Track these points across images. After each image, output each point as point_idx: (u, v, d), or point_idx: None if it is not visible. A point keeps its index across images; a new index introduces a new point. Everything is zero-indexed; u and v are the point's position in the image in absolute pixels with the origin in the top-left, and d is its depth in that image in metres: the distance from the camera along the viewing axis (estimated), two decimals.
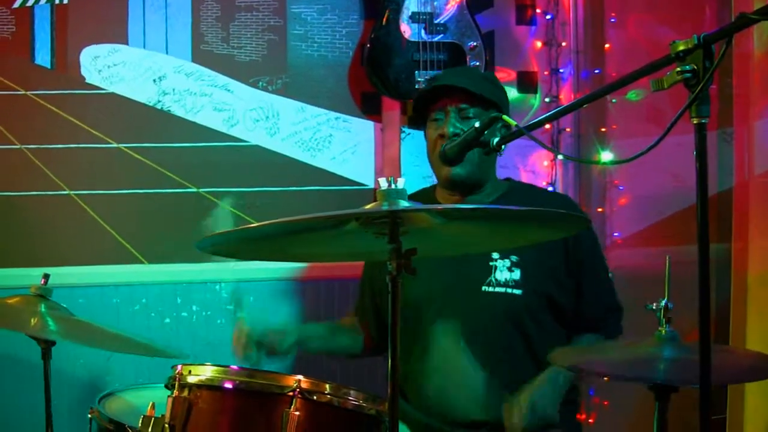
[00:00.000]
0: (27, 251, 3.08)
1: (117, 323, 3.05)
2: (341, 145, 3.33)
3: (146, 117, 3.18)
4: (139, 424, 1.93)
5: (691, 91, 1.48)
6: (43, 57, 3.10)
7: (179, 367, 1.95)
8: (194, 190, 3.21)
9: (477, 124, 1.93)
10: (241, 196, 3.23)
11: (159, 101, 3.19)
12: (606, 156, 3.42)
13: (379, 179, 1.70)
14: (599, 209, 3.45)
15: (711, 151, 3.18)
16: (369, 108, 3.34)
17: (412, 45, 3.15)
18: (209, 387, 1.90)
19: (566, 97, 3.47)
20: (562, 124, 3.45)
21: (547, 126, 3.42)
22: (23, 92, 3.08)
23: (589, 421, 3.37)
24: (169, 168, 3.19)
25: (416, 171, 3.30)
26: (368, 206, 1.69)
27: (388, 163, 3.33)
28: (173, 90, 3.20)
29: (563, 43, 3.47)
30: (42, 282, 2.46)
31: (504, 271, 2.51)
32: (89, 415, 2.27)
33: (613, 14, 3.49)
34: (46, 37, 3.10)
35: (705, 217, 1.48)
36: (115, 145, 3.16)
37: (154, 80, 3.19)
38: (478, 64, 3.18)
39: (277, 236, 1.84)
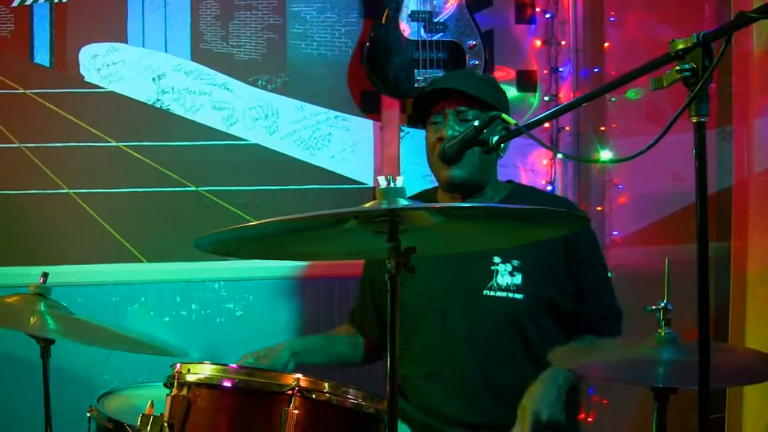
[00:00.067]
0: (26, 250, 3.08)
1: (116, 322, 3.04)
2: (340, 144, 3.33)
3: (145, 115, 3.17)
4: (138, 423, 1.93)
5: (690, 89, 1.48)
6: (42, 56, 3.10)
7: (178, 365, 1.95)
8: (193, 188, 3.21)
9: (476, 123, 1.93)
10: (240, 195, 3.23)
11: (158, 100, 3.19)
12: (605, 155, 3.42)
13: (379, 178, 1.70)
14: (598, 208, 3.45)
15: (710, 149, 3.18)
16: (368, 107, 3.34)
17: (411, 44, 3.14)
18: (208, 385, 1.90)
19: (565, 95, 3.47)
20: (562, 123, 3.45)
21: (547, 125, 3.42)
22: (22, 91, 3.08)
23: (589, 420, 3.37)
24: (169, 167, 3.19)
25: (415, 170, 3.30)
26: (367, 205, 1.69)
27: (387, 161, 3.33)
28: (172, 88, 3.20)
29: (562, 42, 3.47)
30: (41, 280, 2.46)
31: (505, 276, 2.51)
32: (88, 414, 2.26)
33: (612, 13, 3.49)
34: (45, 36, 3.10)
35: (704, 216, 1.48)
36: (114, 143, 3.16)
37: (154, 79, 3.19)
38: (477, 62, 3.18)
39: (277, 235, 1.84)
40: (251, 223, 1.78)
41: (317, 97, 3.30)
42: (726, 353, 2.17)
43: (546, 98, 3.47)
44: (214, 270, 3.18)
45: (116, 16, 3.15)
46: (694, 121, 1.48)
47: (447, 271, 2.53)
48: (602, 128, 3.46)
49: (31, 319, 2.33)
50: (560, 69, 3.47)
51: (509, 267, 2.51)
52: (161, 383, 1.99)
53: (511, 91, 3.40)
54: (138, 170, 3.16)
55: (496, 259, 2.51)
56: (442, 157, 2.12)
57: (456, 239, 1.95)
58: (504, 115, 1.87)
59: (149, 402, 1.97)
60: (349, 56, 3.31)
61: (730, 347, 2.67)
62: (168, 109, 3.20)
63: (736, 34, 1.48)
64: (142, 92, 3.18)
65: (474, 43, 3.18)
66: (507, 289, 2.50)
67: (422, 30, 3.15)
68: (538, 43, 3.48)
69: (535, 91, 3.49)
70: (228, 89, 3.24)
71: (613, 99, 3.43)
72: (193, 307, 3.20)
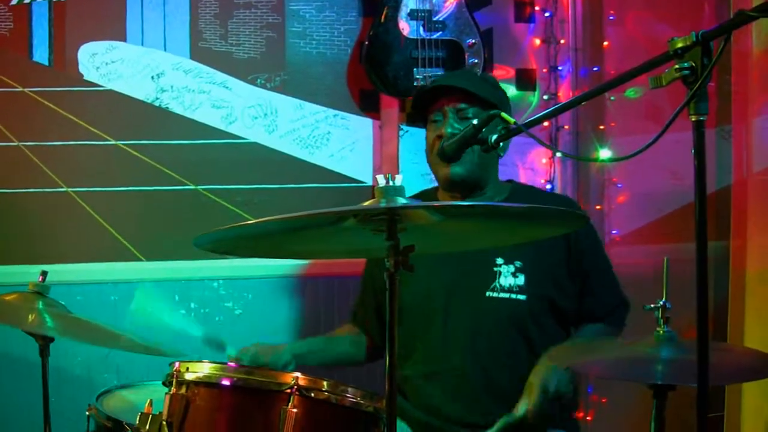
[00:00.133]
0: (25, 248, 3.08)
1: (115, 320, 3.04)
2: (339, 143, 3.33)
3: (144, 114, 3.17)
4: (137, 422, 1.93)
5: (689, 88, 1.48)
6: (41, 54, 3.10)
7: (177, 364, 1.94)
8: (192, 187, 3.21)
9: (475, 121, 1.93)
10: (239, 193, 3.23)
11: (157, 98, 3.19)
12: (604, 153, 3.42)
13: (377, 176, 1.70)
14: (597, 207, 3.45)
15: (709, 148, 3.17)
16: (367, 105, 3.34)
17: (410, 42, 3.14)
18: (207, 384, 1.90)
19: (565, 94, 3.47)
20: (561, 122, 3.45)
21: (546, 123, 3.42)
22: (21, 89, 3.08)
23: (587, 418, 3.37)
24: (168, 165, 3.19)
25: (414, 168, 3.30)
26: (366, 203, 1.68)
27: (386, 160, 3.33)
28: (171, 87, 3.20)
29: (562, 41, 3.46)
30: (40, 279, 2.46)
31: (508, 277, 2.51)
32: (87, 413, 2.26)
33: (611, 12, 3.49)
34: (44, 34, 3.10)
35: (703, 215, 1.48)
36: (113, 142, 3.15)
37: (153, 77, 3.19)
38: (476, 61, 3.18)
39: (276, 233, 1.83)
40: (250, 222, 1.78)
41: (316, 95, 3.30)
42: (725, 352, 2.17)
43: (545, 97, 3.46)
44: (213, 268, 3.18)
45: (115, 15, 3.15)
46: (693, 119, 1.48)
47: (449, 271, 2.53)
48: (601, 127, 3.45)
49: (29, 316, 2.32)
50: (559, 68, 3.47)
51: (512, 268, 2.51)
52: (160, 382, 1.99)
53: (511, 90, 3.40)
54: (137, 169, 3.16)
55: (499, 260, 2.51)
56: (441, 155, 2.12)
57: (455, 238, 1.95)
58: (503, 114, 1.87)
59: (148, 401, 1.97)
60: (348, 55, 3.30)
61: (728, 346, 2.67)
62: (167, 107, 3.20)
63: (735, 32, 1.48)
64: (141, 91, 3.18)
65: (473, 41, 3.18)
66: (510, 290, 2.50)
67: (421, 29, 3.15)
68: (538, 41, 3.48)
69: (534, 89, 3.49)
70: (227, 88, 3.24)
71: (612, 98, 3.43)
72: (192, 305, 3.20)
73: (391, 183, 1.68)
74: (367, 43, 3.16)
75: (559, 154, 3.46)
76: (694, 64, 1.47)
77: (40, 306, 2.37)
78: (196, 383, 1.90)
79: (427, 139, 2.60)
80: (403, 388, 2.57)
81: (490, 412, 2.42)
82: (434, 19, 3.16)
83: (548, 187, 3.41)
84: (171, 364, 1.96)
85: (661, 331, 2.01)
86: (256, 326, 3.20)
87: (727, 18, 1.54)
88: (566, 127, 3.46)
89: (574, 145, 3.48)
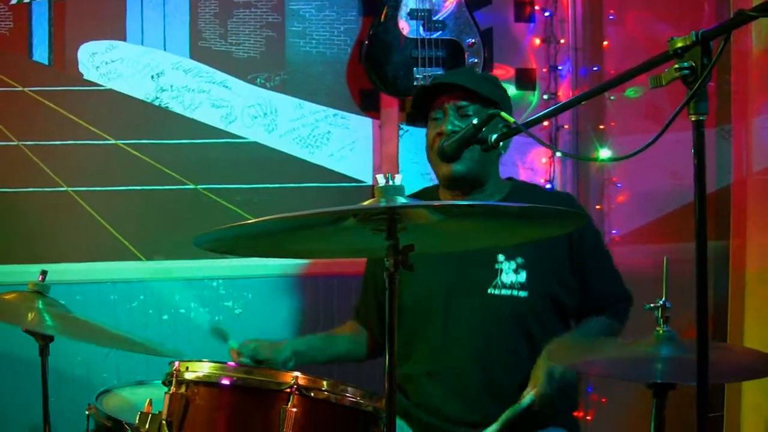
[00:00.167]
0: (25, 248, 3.08)
1: (114, 320, 3.05)
2: (339, 142, 3.33)
3: (144, 113, 3.17)
4: (137, 421, 1.93)
5: (689, 88, 1.48)
6: (40, 53, 3.10)
7: (176, 363, 1.94)
8: (192, 186, 3.21)
9: (475, 121, 1.92)
10: (239, 193, 3.23)
11: (157, 98, 3.19)
12: (604, 153, 3.42)
13: (377, 176, 1.70)
14: (597, 206, 3.45)
15: (709, 148, 3.17)
16: (367, 105, 3.34)
17: (410, 42, 3.14)
18: (206, 383, 1.90)
19: (564, 94, 3.47)
20: (561, 121, 3.45)
21: (546, 123, 3.42)
22: (21, 89, 3.08)
23: (587, 418, 3.37)
24: (167, 165, 3.19)
25: (414, 168, 3.30)
26: (366, 203, 1.68)
27: (386, 159, 3.33)
28: (171, 86, 3.20)
29: (562, 40, 3.46)
30: (39, 279, 2.46)
31: (510, 274, 2.51)
32: (87, 412, 2.27)
33: (611, 11, 3.49)
34: (44, 34, 3.10)
35: (703, 215, 1.48)
36: (113, 141, 3.15)
37: (152, 77, 3.19)
38: (476, 60, 3.18)
39: (275, 233, 1.83)
40: (250, 221, 1.78)
41: (316, 95, 3.30)
42: (724, 352, 2.17)
43: (545, 96, 3.46)
44: (213, 268, 3.18)
45: (115, 14, 3.15)
46: (692, 119, 1.48)
47: (450, 269, 2.52)
48: (601, 126, 3.45)
49: (29, 315, 2.32)
50: (559, 67, 3.47)
51: (513, 265, 2.51)
52: (160, 381, 1.99)
53: (510, 90, 3.39)
54: (137, 168, 3.16)
55: (500, 257, 2.51)
56: (440, 155, 2.12)
57: (455, 237, 1.95)
58: (503, 114, 1.87)
59: (148, 400, 1.97)
60: (348, 54, 3.30)
61: (728, 346, 2.67)
62: (167, 107, 3.19)
63: (735, 32, 1.48)
64: (140, 90, 3.18)
65: (473, 41, 3.18)
66: (511, 286, 2.50)
67: (421, 28, 3.15)
68: (537, 41, 3.48)
69: (534, 89, 3.49)
70: (227, 87, 3.24)
71: (612, 97, 3.43)
72: (192, 305, 3.20)
73: (390, 182, 1.69)
74: (366, 42, 3.16)
75: (558, 154, 3.46)
76: (693, 64, 1.47)
77: (40, 305, 2.37)
78: (196, 383, 1.90)
79: (427, 136, 2.60)
80: (404, 387, 2.57)
81: (490, 411, 2.42)
82: (434, 18, 3.16)
83: (548, 186, 3.41)
84: (170, 364, 1.96)
85: (661, 331, 2.01)
86: (256, 325, 3.20)
87: (726, 18, 1.54)
88: (566, 126, 3.46)
89: (573, 144, 3.48)
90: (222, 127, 3.24)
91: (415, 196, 2.70)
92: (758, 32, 3.02)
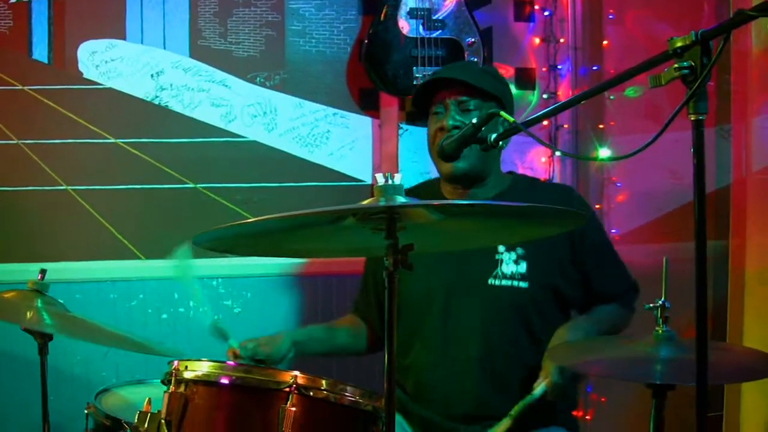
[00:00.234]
0: (24, 246, 3.08)
1: (114, 319, 3.05)
2: (339, 141, 3.33)
3: (144, 112, 3.17)
4: (136, 420, 1.93)
5: (688, 87, 1.47)
6: (40, 52, 3.10)
7: (176, 362, 1.94)
8: (192, 185, 3.21)
9: (474, 120, 1.92)
10: (239, 192, 3.23)
11: (156, 97, 3.19)
12: (603, 153, 3.42)
13: (377, 175, 1.70)
14: (597, 206, 3.45)
15: (709, 147, 3.16)
16: (367, 104, 3.34)
17: (410, 41, 3.14)
18: (206, 383, 1.90)
19: (564, 93, 3.47)
20: (560, 121, 3.45)
21: (545, 122, 3.42)
22: (20, 87, 3.08)
23: (587, 417, 3.37)
24: (167, 163, 3.19)
25: (414, 167, 3.30)
26: (365, 202, 1.68)
27: (385, 159, 3.33)
28: (171, 85, 3.20)
29: (561, 40, 3.46)
30: (39, 277, 2.45)
31: (510, 264, 2.50)
32: (86, 411, 2.26)
33: (611, 11, 3.49)
34: (44, 33, 3.10)
35: (702, 214, 1.48)
36: (112, 140, 3.15)
37: (152, 75, 3.18)
38: (476, 60, 3.18)
39: (274, 232, 1.83)
40: (249, 220, 1.78)
41: (316, 94, 3.30)
42: (724, 352, 2.17)
43: (544, 96, 3.46)
44: (212, 267, 3.17)
45: (115, 13, 3.15)
46: (692, 119, 1.48)
47: (451, 261, 2.52)
48: (601, 126, 3.45)
49: (28, 314, 2.32)
50: (559, 67, 3.47)
51: (513, 255, 2.50)
52: (159, 380, 1.99)
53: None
54: (136, 167, 3.16)
55: (501, 248, 2.50)
56: (440, 154, 2.11)
57: (454, 236, 1.95)
58: (502, 113, 1.87)
59: (146, 399, 1.97)
60: (347, 53, 3.30)
61: (727, 346, 2.67)
62: (166, 105, 3.19)
63: (734, 32, 1.48)
64: (140, 89, 3.18)
65: (473, 40, 3.18)
66: (512, 277, 2.50)
67: (421, 27, 3.15)
68: (537, 40, 3.48)
69: (533, 88, 3.49)
70: (226, 86, 3.24)
71: (611, 97, 3.43)
72: (192, 304, 3.20)
73: (390, 182, 1.68)
74: (366, 41, 3.16)
75: (558, 153, 3.46)
76: (693, 64, 1.47)
77: (39, 304, 2.37)
78: (195, 382, 1.90)
79: (428, 131, 2.59)
80: (404, 381, 2.57)
81: (490, 403, 2.42)
82: (434, 17, 3.16)
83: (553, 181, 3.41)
84: (170, 363, 1.96)
85: (660, 331, 2.01)
86: (255, 325, 3.20)
87: (726, 17, 1.54)
88: (566, 126, 3.46)
89: (573, 144, 3.48)
90: (222, 126, 3.24)
91: (416, 189, 2.70)
92: (758, 32, 3.02)
